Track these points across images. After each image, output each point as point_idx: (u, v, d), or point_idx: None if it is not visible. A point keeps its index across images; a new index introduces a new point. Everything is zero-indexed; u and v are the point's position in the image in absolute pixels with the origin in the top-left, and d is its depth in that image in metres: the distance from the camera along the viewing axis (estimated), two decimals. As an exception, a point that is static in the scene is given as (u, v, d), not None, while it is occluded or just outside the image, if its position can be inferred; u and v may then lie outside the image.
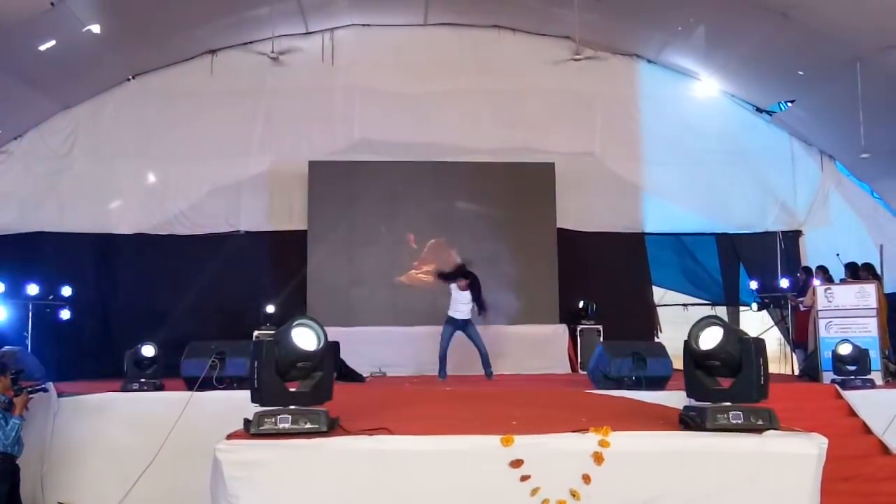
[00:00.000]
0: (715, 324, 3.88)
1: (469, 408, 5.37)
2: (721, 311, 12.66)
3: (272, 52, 11.91)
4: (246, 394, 3.76)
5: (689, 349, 3.91)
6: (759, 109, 13.19)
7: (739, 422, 3.74)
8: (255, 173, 12.55)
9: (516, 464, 3.54)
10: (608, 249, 12.78)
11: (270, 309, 11.22)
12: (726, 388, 3.90)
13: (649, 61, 13.27)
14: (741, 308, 13.01)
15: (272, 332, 7.73)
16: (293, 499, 3.52)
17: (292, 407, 3.68)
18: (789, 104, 12.66)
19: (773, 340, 12.19)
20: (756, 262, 13.01)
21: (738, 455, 3.65)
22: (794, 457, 3.65)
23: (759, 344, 3.83)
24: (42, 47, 10.00)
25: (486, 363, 9.88)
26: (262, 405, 3.66)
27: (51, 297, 10.65)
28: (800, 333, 10.72)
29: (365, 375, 9.87)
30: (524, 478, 3.53)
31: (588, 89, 13.02)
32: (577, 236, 12.72)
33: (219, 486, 3.56)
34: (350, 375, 9.33)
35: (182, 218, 12.40)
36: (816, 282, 9.91)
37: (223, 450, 3.54)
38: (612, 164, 13.00)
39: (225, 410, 4.79)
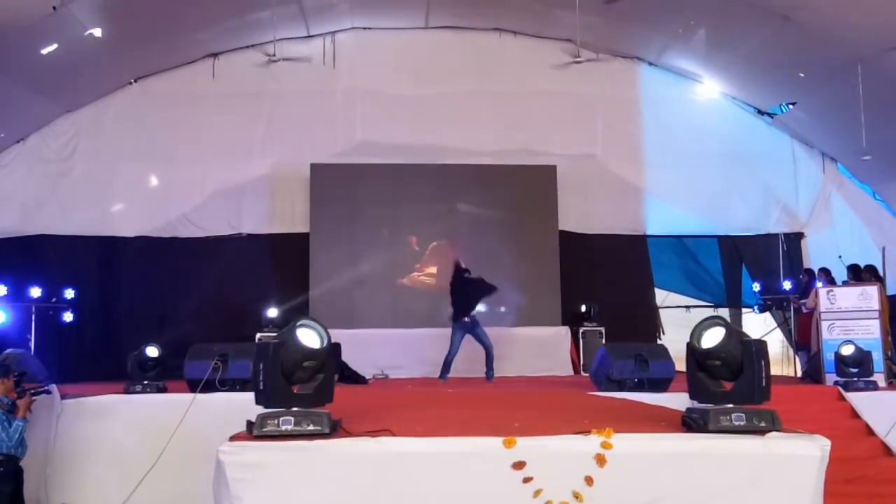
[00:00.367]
0: (718, 324, 3.87)
1: (471, 409, 5.38)
2: (723, 313, 12.61)
3: (273, 55, 11.92)
4: (249, 396, 3.76)
5: (692, 349, 3.91)
6: (760, 112, 13.17)
7: (742, 423, 3.73)
8: (257, 176, 12.55)
9: (519, 465, 3.54)
10: (610, 251, 12.76)
11: (273, 312, 11.25)
12: (729, 391, 3.89)
13: (650, 64, 13.27)
14: (744, 310, 13.00)
15: (274, 334, 7.76)
16: (296, 500, 3.52)
17: (295, 409, 3.67)
18: (790, 106, 12.63)
19: (776, 342, 12.17)
20: (758, 264, 13.01)
21: (740, 457, 3.64)
22: (797, 459, 3.63)
23: (760, 346, 3.82)
24: (44, 51, 10.00)
25: (489, 364, 9.88)
26: (266, 406, 3.66)
27: (53, 299, 10.67)
28: (802, 335, 10.70)
29: (367, 377, 9.88)
30: (527, 479, 3.52)
31: (589, 92, 12.99)
32: (579, 238, 12.72)
33: (222, 487, 3.57)
34: (352, 377, 9.35)
35: (184, 220, 12.38)
36: (819, 284, 9.91)
37: (226, 451, 3.55)
38: (613, 167, 12.99)
39: (227, 412, 4.78)
